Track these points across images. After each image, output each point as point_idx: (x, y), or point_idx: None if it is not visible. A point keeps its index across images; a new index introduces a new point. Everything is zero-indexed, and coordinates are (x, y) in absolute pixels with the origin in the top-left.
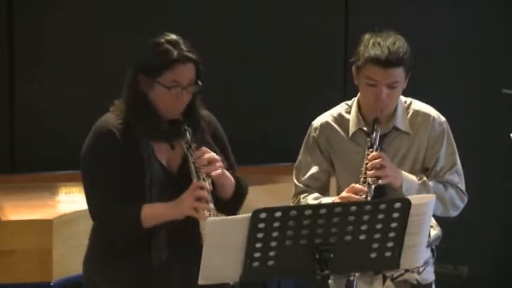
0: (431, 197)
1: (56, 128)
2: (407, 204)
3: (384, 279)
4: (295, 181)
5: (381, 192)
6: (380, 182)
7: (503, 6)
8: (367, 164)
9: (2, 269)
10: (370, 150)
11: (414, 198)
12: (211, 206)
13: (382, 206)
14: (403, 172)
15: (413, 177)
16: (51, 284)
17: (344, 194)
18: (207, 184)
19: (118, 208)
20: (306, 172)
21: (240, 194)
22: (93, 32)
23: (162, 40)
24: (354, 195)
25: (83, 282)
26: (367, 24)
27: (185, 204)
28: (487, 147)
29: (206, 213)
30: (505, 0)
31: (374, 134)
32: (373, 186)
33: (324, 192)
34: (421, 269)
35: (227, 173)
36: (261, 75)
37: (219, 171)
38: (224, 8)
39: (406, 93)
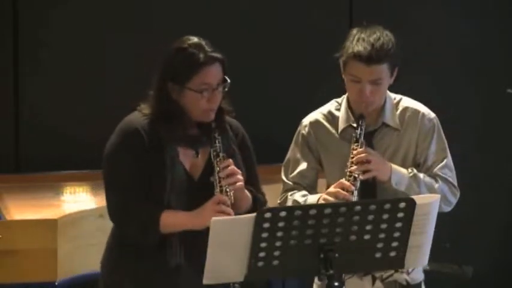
0: (436, 197)
1: (60, 127)
2: (412, 204)
3: (374, 280)
4: (284, 178)
5: (370, 188)
6: (365, 176)
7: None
8: (352, 158)
9: (7, 269)
10: (356, 144)
11: (419, 198)
12: None
13: (387, 206)
14: (393, 165)
15: (403, 171)
16: (56, 283)
17: (331, 189)
18: (228, 197)
19: (138, 208)
20: (295, 169)
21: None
22: (99, 30)
23: (185, 45)
24: (341, 191)
25: (100, 285)
26: (371, 22)
27: (207, 217)
28: (491, 147)
29: None
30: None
31: (359, 129)
32: (358, 181)
33: (312, 190)
34: (410, 269)
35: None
36: (265, 75)
37: (239, 184)
38: (225, 7)
39: (407, 93)
